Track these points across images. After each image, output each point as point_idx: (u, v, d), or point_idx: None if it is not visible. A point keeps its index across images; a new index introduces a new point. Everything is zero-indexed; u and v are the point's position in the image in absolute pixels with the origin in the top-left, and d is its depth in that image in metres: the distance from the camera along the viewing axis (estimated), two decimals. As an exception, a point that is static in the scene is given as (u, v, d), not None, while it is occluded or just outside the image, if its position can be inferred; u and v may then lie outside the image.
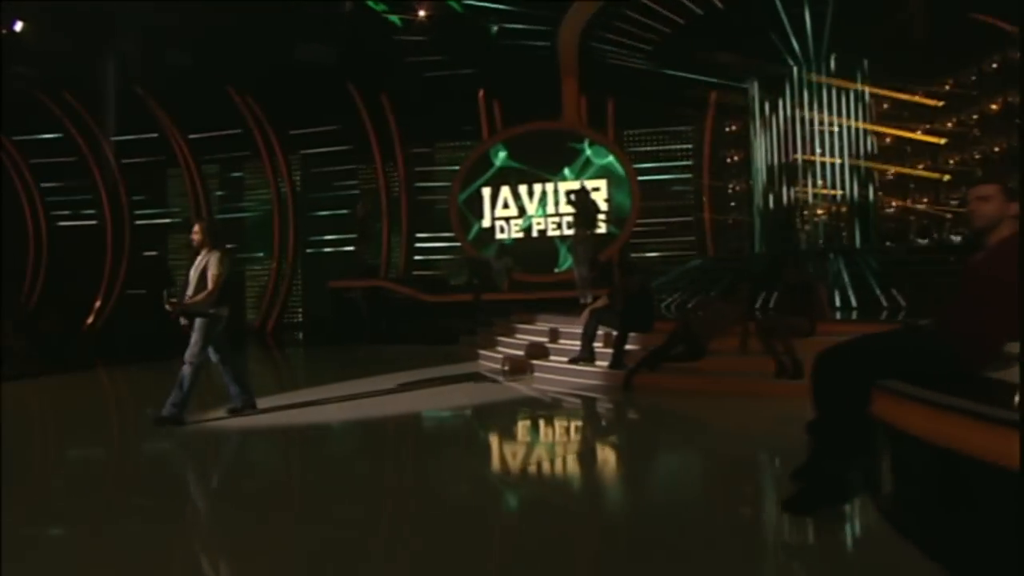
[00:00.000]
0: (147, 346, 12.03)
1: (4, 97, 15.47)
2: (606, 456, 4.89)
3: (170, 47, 13.75)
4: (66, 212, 18.09)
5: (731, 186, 14.74)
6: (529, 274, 13.60)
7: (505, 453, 5.01)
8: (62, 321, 15.01)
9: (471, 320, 11.43)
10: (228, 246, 18.56)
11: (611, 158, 14.43)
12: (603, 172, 14.48)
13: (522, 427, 5.80)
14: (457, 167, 15.11)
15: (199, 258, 5.49)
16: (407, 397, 6.83)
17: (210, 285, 5.34)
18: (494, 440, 5.42)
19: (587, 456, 4.79)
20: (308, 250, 16.54)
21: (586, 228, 9.25)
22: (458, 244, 15.08)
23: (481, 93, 14.70)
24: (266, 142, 16.12)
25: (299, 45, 13.06)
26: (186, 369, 5.34)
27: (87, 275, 17.01)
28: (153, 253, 17.64)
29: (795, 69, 10.46)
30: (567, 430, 5.72)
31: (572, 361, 7.40)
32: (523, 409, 6.42)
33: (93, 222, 17.75)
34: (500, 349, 8.83)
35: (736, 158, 14.61)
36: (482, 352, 9.02)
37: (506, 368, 7.94)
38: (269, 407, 6.36)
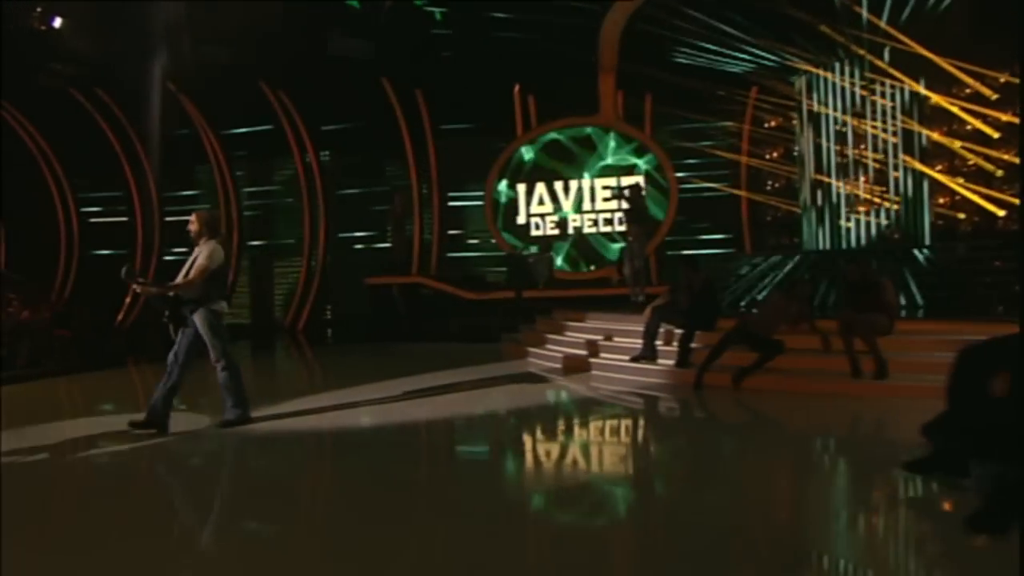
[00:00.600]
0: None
1: (40, 94, 15.55)
2: (705, 460, 4.70)
3: (204, 43, 13.67)
4: (97, 208, 18.13)
5: (770, 183, 14.49)
6: (567, 272, 13.44)
7: (599, 458, 4.84)
8: (94, 318, 15.02)
9: (512, 317, 11.27)
10: (257, 242, 18.42)
11: (648, 154, 14.22)
12: (640, 169, 14.27)
13: (604, 430, 5.63)
14: (491, 163, 14.94)
15: (196, 249, 5.25)
16: (468, 398, 6.65)
17: (193, 273, 5.04)
18: (581, 446, 5.24)
19: (686, 460, 4.62)
20: (339, 246, 16.42)
21: (641, 224, 9.07)
22: (492, 241, 14.93)
23: (516, 88, 14.53)
24: (297, 138, 16.03)
25: (335, 39, 12.94)
26: (223, 377, 5.18)
27: (117, 272, 17.03)
28: (183, 250, 17.62)
29: (846, 61, 10.22)
30: (653, 433, 5.52)
31: (634, 359, 7.24)
32: (597, 410, 6.26)
33: (124, 219, 17.77)
34: (550, 347, 8.67)
35: (775, 154, 14.36)
36: (532, 350, 8.86)
37: (569, 365, 7.81)
38: (320, 407, 6.23)
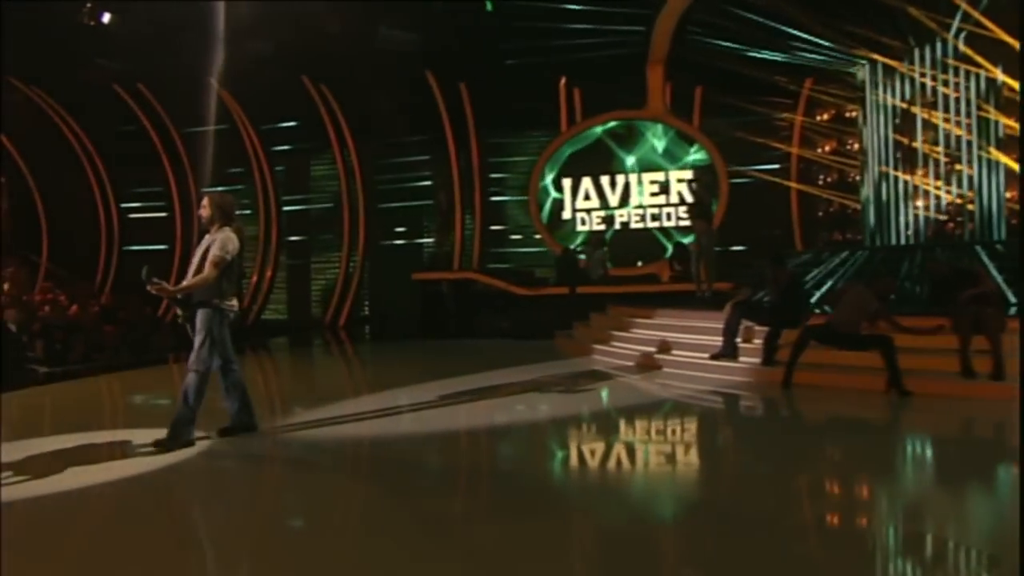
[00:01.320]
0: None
1: (83, 89, 15.59)
2: (839, 468, 4.46)
3: (247, 37, 13.57)
4: (137, 204, 18.19)
5: (822, 177, 14.11)
6: (616, 267, 13.16)
7: (719, 468, 4.61)
8: (138, 313, 15.05)
9: (566, 314, 11.07)
10: (295, 237, 18.31)
11: (698, 148, 13.92)
12: (688, 162, 13.98)
13: (715, 437, 5.38)
14: (535, 157, 14.72)
15: (207, 237, 4.61)
16: (542, 401, 6.32)
17: (207, 268, 4.44)
18: (689, 453, 5.01)
19: (817, 468, 4.38)
20: (379, 241, 16.28)
21: (707, 219, 8.81)
22: (536, 236, 14.72)
23: (563, 81, 14.29)
24: (338, 132, 15.92)
25: (381, 32, 12.77)
26: (190, 378, 4.48)
27: (158, 267, 17.05)
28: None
29: (915, 49, 9.84)
30: (767, 438, 5.19)
31: (714, 357, 7.00)
32: (694, 414, 6.01)
33: (163, 214, 17.80)
34: (616, 344, 8.44)
35: (827, 148, 13.99)
36: (597, 347, 8.63)
37: (641, 364, 7.60)
38: (384, 410, 6.06)
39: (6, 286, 14.08)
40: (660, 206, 14.04)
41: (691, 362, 7.29)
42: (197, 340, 4.49)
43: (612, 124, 14.32)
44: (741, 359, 6.92)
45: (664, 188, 13.74)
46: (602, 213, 14.24)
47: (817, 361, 6.32)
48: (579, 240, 14.16)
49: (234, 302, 4.63)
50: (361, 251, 16.11)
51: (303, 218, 17.30)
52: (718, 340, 7.10)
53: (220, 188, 17.36)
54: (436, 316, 13.09)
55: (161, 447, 4.43)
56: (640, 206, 14.12)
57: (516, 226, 15.30)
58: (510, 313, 12.45)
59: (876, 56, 10.28)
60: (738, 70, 12.14)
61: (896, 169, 10.30)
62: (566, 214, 14.41)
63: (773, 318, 6.64)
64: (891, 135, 10.31)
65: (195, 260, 4.56)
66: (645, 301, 10.67)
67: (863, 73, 11.03)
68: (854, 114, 13.43)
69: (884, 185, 10.56)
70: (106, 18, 12.37)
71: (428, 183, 16.03)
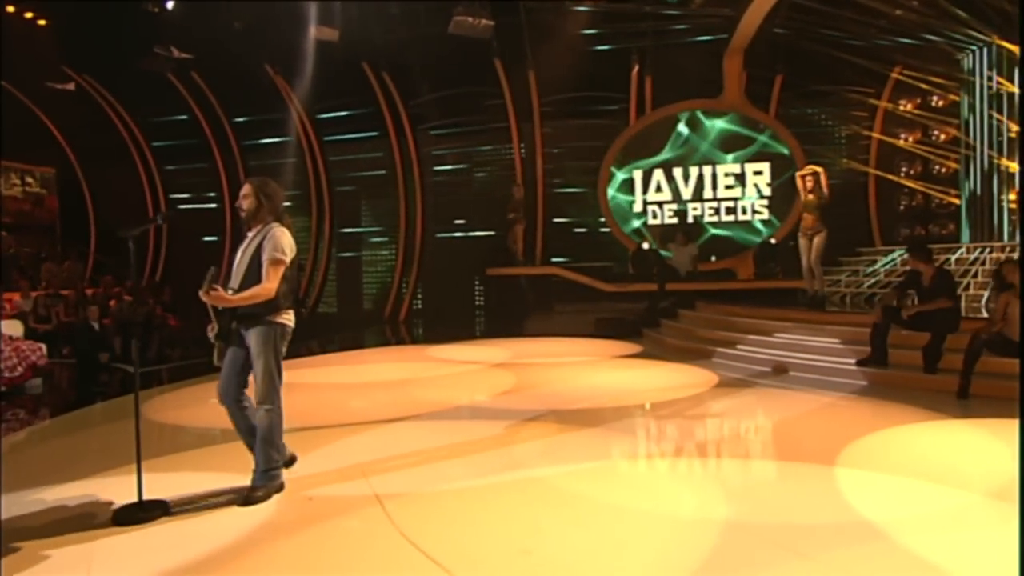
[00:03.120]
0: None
1: (134, 79, 15.22)
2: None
3: (310, 23, 13.15)
4: (186, 195, 17.92)
5: (904, 169, 13.59)
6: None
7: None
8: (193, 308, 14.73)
9: (654, 312, 10.69)
10: (349, 229, 17.94)
11: (776, 138, 13.41)
12: (765, 153, 13.49)
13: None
14: (604, 148, 14.26)
15: (251, 234, 3.72)
16: (718, 426, 5.64)
17: (266, 278, 3.56)
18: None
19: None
20: (438, 233, 15.92)
21: (819, 215, 8.35)
22: (603, 230, 14.29)
23: (635, 70, 13.80)
24: (396, 121, 15.51)
25: (451, 20, 12.31)
26: (262, 422, 3.63)
27: (207, 260, 16.76)
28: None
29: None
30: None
31: (861, 364, 6.60)
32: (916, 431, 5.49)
33: (213, 205, 17.51)
34: (744, 348, 7.97)
35: (911, 139, 13.45)
36: (720, 351, 8.16)
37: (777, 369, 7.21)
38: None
39: (66, 273, 13.87)
40: (735, 199, 13.59)
41: (828, 367, 6.89)
42: (259, 367, 3.59)
43: (685, 114, 13.84)
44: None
45: (740, 180, 13.30)
46: (674, 206, 13.80)
47: (987, 369, 5.92)
48: (654, 238, 13.71)
49: (291, 315, 3.72)
50: (419, 243, 15.76)
51: (358, 208, 16.96)
52: (849, 343, 6.73)
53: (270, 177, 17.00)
54: (510, 312, 12.72)
55: (251, 501, 3.56)
56: (715, 199, 13.67)
57: (581, 219, 14.86)
58: (586, 309, 12.07)
59: (996, 39, 9.75)
60: (828, 53, 11.67)
61: (1012, 159, 9.80)
62: (637, 207, 13.97)
63: (938, 322, 6.20)
64: (1007, 124, 9.80)
65: (242, 263, 3.66)
66: (730, 298, 10.29)
67: (969, 59, 10.51)
68: (942, 103, 12.92)
69: (995, 177, 10.07)
70: (170, 4, 11.98)
71: (487, 175, 15.63)
